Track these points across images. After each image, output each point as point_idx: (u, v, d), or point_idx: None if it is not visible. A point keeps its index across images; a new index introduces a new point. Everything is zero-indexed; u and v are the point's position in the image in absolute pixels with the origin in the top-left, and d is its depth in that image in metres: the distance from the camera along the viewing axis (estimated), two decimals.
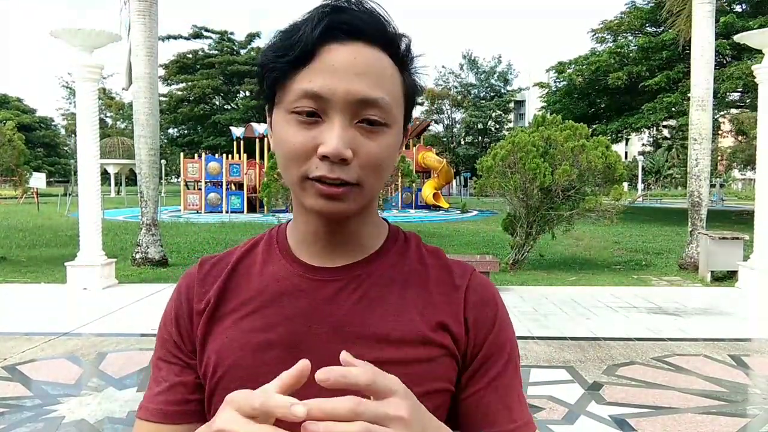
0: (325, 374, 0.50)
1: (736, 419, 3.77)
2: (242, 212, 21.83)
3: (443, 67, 55.20)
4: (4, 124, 11.27)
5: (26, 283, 8.38)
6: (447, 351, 0.73)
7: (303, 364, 0.53)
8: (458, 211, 24.15)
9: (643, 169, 49.29)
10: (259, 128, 23.12)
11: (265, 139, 22.52)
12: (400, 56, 0.71)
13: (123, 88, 10.47)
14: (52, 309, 6.72)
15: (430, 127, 45.30)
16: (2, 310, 6.72)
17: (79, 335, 5.61)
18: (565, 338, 5.59)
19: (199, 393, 0.75)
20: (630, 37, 22.75)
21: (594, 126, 22.06)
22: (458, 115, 52.53)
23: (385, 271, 0.76)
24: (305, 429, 0.48)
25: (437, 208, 25.44)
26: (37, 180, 21.73)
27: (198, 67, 43.56)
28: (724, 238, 8.75)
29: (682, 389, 4.25)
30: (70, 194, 26.37)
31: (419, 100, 0.79)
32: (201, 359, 0.74)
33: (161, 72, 38.99)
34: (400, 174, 14.04)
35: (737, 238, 8.74)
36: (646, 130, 26.54)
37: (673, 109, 19.56)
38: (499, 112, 51.68)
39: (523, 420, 0.74)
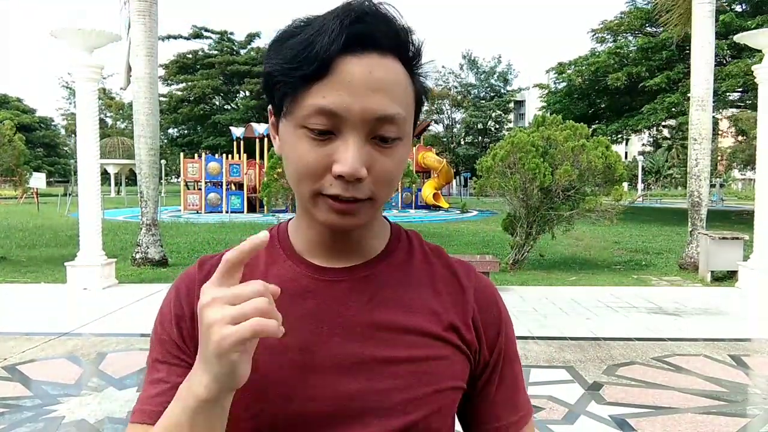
0: None
1: (736, 419, 3.77)
2: (242, 212, 21.83)
3: (443, 67, 55.17)
4: (4, 124, 11.26)
5: (26, 283, 8.38)
6: (458, 349, 0.74)
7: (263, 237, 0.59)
8: (458, 211, 24.15)
9: (643, 169, 49.31)
10: (259, 128, 23.11)
11: (265, 139, 22.57)
12: (410, 59, 0.69)
13: (122, 88, 10.46)
14: (52, 309, 6.72)
15: (430, 127, 45.33)
16: (2, 310, 6.72)
17: (79, 335, 5.61)
18: (565, 338, 5.59)
19: None
20: (630, 38, 22.75)
21: (594, 126, 22.07)
22: (458, 115, 52.58)
23: (392, 271, 0.76)
24: None
25: (437, 208, 25.44)
26: (37, 180, 21.73)
27: (198, 67, 43.56)
28: (724, 238, 8.75)
29: (682, 389, 4.25)
30: (70, 194, 26.37)
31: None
32: None
33: (161, 72, 39.01)
34: None
35: (737, 238, 8.74)
36: (646, 130, 26.53)
37: (674, 109, 19.56)
38: (499, 112, 51.70)
39: (525, 410, 0.81)
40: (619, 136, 25.33)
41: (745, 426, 3.68)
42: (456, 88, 52.17)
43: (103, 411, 3.84)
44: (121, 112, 56.28)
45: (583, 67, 22.02)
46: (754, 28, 14.48)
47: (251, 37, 45.49)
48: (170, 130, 46.74)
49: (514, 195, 9.06)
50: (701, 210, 9.49)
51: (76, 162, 9.16)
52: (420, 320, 0.73)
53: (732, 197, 44.19)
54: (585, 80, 22.08)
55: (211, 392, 0.58)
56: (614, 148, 10.31)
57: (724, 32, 15.70)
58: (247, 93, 43.87)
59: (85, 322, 6.04)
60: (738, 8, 19.78)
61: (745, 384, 4.41)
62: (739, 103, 22.71)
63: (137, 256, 9.62)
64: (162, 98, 37.66)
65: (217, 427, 0.61)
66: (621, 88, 20.61)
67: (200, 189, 22.70)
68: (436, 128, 52.07)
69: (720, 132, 36.24)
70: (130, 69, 9.53)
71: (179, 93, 44.02)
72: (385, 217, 0.82)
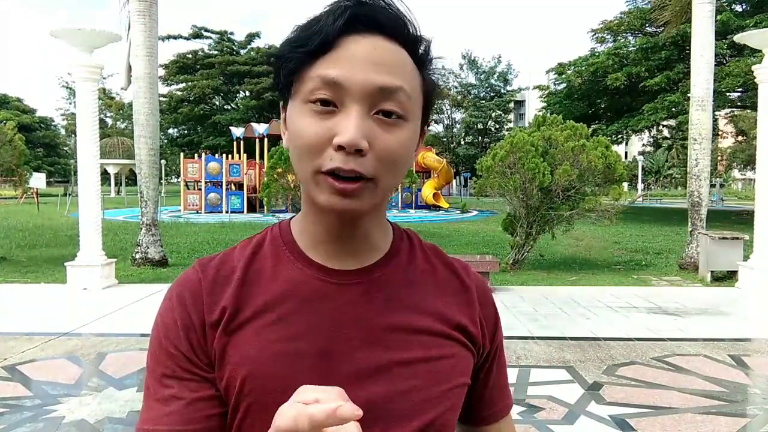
0: None
1: (736, 419, 3.77)
2: (242, 212, 21.82)
3: (443, 67, 55.01)
4: (5, 124, 11.26)
5: (26, 283, 8.38)
6: (464, 347, 0.76)
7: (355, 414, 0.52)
8: (458, 211, 24.15)
9: (643, 169, 49.30)
10: (259, 128, 23.12)
11: (265, 139, 22.58)
12: (420, 56, 0.70)
13: (122, 88, 10.48)
14: (52, 309, 6.72)
15: (430, 127, 45.22)
16: (2, 310, 6.72)
17: (79, 335, 5.61)
18: (565, 338, 5.59)
19: (220, 406, 0.70)
20: (630, 38, 22.75)
21: (594, 126, 22.07)
22: (458, 115, 52.54)
23: (400, 271, 0.76)
24: None
25: (437, 208, 25.45)
26: (37, 180, 21.75)
27: (198, 67, 43.54)
28: (724, 238, 8.75)
29: (682, 389, 4.25)
30: (70, 194, 26.38)
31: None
32: (220, 374, 0.70)
33: (161, 72, 38.99)
34: None
35: (737, 238, 8.74)
36: (646, 130, 26.53)
37: (674, 109, 19.56)
38: (499, 112, 51.66)
39: (511, 397, 0.89)
40: (620, 136, 25.33)
41: (745, 426, 3.68)
42: (456, 88, 52.12)
43: (103, 411, 3.84)
44: (121, 112, 56.27)
45: (583, 68, 22.02)
46: (753, 27, 14.50)
47: (251, 37, 45.50)
48: (170, 130, 46.73)
49: (514, 195, 9.06)
50: (701, 210, 9.49)
51: (76, 162, 9.16)
52: (429, 320, 0.74)
53: (732, 197, 44.18)
54: (584, 81, 22.07)
55: None
56: (614, 148, 10.31)
57: (722, 31, 15.69)
58: (247, 93, 43.86)
59: (85, 322, 6.04)
60: (738, 8, 19.78)
61: (745, 384, 4.41)
62: (739, 103, 22.70)
63: (137, 256, 9.62)
64: (162, 98, 37.64)
65: None
66: (621, 88, 20.61)
67: (200, 189, 22.70)
68: (436, 128, 52.04)
69: (720, 132, 36.23)
70: (130, 69, 9.54)
71: (179, 93, 43.99)
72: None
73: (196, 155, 25.42)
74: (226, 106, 46.05)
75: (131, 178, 43.37)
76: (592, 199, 9.07)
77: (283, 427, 0.52)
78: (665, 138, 42.37)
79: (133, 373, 4.52)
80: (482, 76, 51.63)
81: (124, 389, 4.22)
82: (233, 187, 22.33)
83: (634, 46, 21.21)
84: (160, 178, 12.15)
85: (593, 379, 4.44)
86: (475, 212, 24.17)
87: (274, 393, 0.67)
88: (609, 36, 23.59)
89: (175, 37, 43.13)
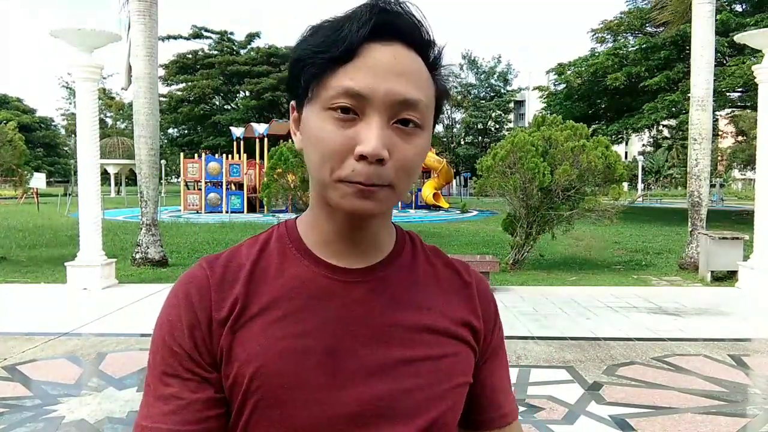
0: None
1: (736, 419, 3.77)
2: (242, 212, 21.83)
3: (451, 72, 55.11)
4: (5, 124, 11.26)
5: (26, 283, 8.38)
6: (467, 345, 0.77)
7: None
8: (458, 211, 24.15)
9: (643, 169, 49.29)
10: (259, 128, 23.11)
11: (265, 139, 22.59)
12: (431, 60, 0.71)
13: (122, 88, 10.49)
14: (52, 309, 6.72)
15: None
16: (2, 310, 6.72)
17: (79, 335, 5.61)
18: (565, 338, 5.59)
19: (218, 408, 0.71)
20: (630, 38, 22.74)
21: (594, 126, 22.06)
22: (458, 115, 52.57)
23: (404, 271, 0.77)
24: None
25: (437, 208, 25.45)
26: (37, 180, 21.75)
27: (198, 67, 43.55)
28: (724, 238, 8.74)
29: (682, 389, 4.25)
30: (70, 194, 26.38)
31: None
32: (227, 371, 0.70)
33: (161, 72, 39.00)
34: None
35: (737, 238, 8.74)
36: (646, 130, 26.53)
37: (674, 108, 19.56)
38: (499, 112, 51.70)
39: (515, 405, 0.87)
40: (620, 136, 25.34)
41: (745, 426, 3.68)
42: (456, 88, 52.11)
43: (103, 411, 3.84)
44: (121, 112, 56.27)
45: (582, 69, 22.01)
46: (753, 26, 14.49)
47: (251, 37, 45.51)
48: (170, 130, 46.74)
49: (514, 195, 9.06)
50: (701, 210, 9.48)
51: (76, 162, 9.16)
52: (432, 319, 0.75)
53: (732, 197, 44.19)
54: (584, 81, 22.07)
55: None
56: (614, 148, 10.31)
57: (722, 30, 15.68)
58: (247, 93, 43.87)
59: (85, 322, 6.04)
60: (738, 8, 19.78)
61: (745, 384, 4.41)
62: (739, 103, 22.69)
63: (137, 256, 9.62)
64: (162, 98, 37.66)
65: None
66: (621, 88, 20.60)
67: (200, 189, 22.70)
68: (436, 128, 51.68)
69: (720, 132, 36.22)
70: (130, 69, 9.54)
71: (179, 93, 44.00)
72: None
73: (196, 155, 25.41)
74: (226, 106, 46.07)
75: (131, 178, 43.37)
76: (592, 199, 9.07)
77: None
78: (665, 138, 42.39)
79: (133, 373, 4.52)
80: (482, 76, 51.66)
81: (124, 389, 4.21)
82: (233, 187, 22.33)
83: (633, 46, 21.21)
84: (160, 178, 12.15)
85: (593, 379, 4.44)
86: (475, 212, 24.17)
87: (280, 390, 0.68)
88: (609, 36, 23.59)
89: (175, 37, 43.15)
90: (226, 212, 21.04)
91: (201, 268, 0.74)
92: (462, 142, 52.80)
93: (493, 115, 51.31)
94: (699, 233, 9.36)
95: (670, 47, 18.98)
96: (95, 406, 3.92)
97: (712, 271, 8.81)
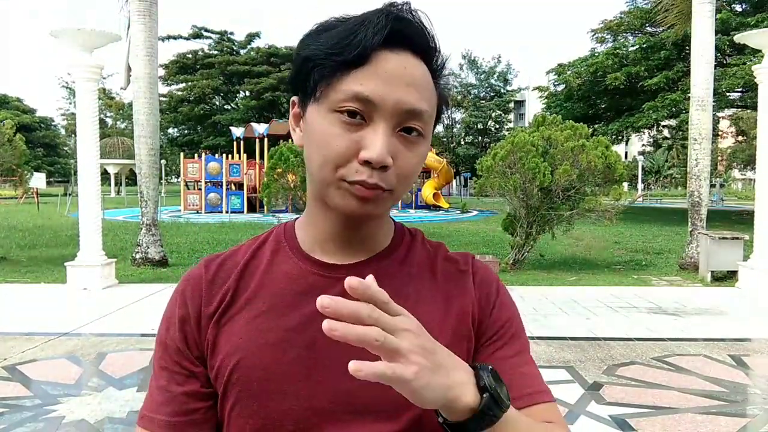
0: (348, 284, 0.54)
1: (736, 419, 3.77)
2: (242, 212, 21.82)
3: (450, 73, 55.13)
4: (4, 124, 11.26)
5: (26, 283, 8.38)
6: (467, 336, 0.76)
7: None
8: (458, 211, 24.15)
9: (643, 169, 49.27)
10: (259, 128, 23.10)
11: (265, 139, 22.58)
12: (435, 68, 0.73)
13: (122, 88, 10.50)
14: (52, 309, 6.71)
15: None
16: (2, 310, 6.72)
17: (79, 335, 5.61)
18: (565, 338, 5.59)
19: (204, 401, 0.74)
20: (630, 38, 22.74)
21: (594, 126, 22.06)
22: (458, 115, 52.51)
23: (396, 265, 0.77)
24: (326, 328, 0.51)
25: (437, 208, 25.44)
26: (37, 180, 21.75)
27: (198, 67, 43.54)
28: (724, 238, 8.74)
29: (682, 389, 4.25)
30: (70, 194, 26.37)
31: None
32: (212, 363, 0.73)
33: (161, 72, 39.00)
34: None
35: (737, 238, 8.73)
36: (646, 130, 26.53)
37: (674, 108, 19.56)
38: (499, 112, 51.66)
39: (534, 389, 0.75)
40: (620, 136, 25.33)
41: (745, 426, 3.68)
42: (456, 88, 52.10)
43: (103, 411, 3.83)
44: (121, 112, 56.27)
45: (582, 69, 22.01)
46: (753, 26, 14.49)
47: (251, 37, 45.49)
48: (170, 130, 46.72)
49: (514, 195, 9.06)
50: (701, 210, 9.48)
51: (76, 162, 9.16)
52: (430, 312, 0.74)
53: (732, 197, 44.15)
54: (584, 81, 22.06)
55: None
56: (614, 148, 10.31)
57: (722, 30, 15.67)
58: (247, 93, 43.85)
59: (85, 322, 6.04)
60: (738, 8, 19.78)
61: (745, 384, 4.41)
62: (739, 103, 22.70)
63: (137, 256, 9.61)
64: (162, 98, 37.64)
65: None
66: (621, 88, 20.60)
67: (200, 189, 22.69)
68: (436, 128, 51.88)
69: (720, 132, 36.23)
70: (130, 69, 9.54)
71: (179, 93, 44.00)
72: (389, 216, 0.83)
73: (196, 155, 25.41)
74: (226, 106, 46.06)
75: (131, 178, 43.36)
76: (592, 199, 9.07)
77: None
78: (665, 138, 42.42)
79: (133, 373, 4.52)
80: (482, 76, 51.62)
81: (124, 389, 4.21)
82: (233, 187, 22.32)
83: (633, 46, 21.22)
84: (160, 178, 12.15)
85: (593, 379, 4.44)
86: (475, 212, 24.17)
87: (258, 382, 0.70)
88: (609, 36, 23.58)
89: (175, 37, 43.13)
90: (226, 212, 21.04)
91: (199, 266, 0.79)
92: (462, 142, 52.77)
93: (493, 115, 51.27)
94: (699, 233, 9.36)
95: (670, 47, 18.98)
96: (95, 406, 3.92)
97: (712, 271, 8.80)
